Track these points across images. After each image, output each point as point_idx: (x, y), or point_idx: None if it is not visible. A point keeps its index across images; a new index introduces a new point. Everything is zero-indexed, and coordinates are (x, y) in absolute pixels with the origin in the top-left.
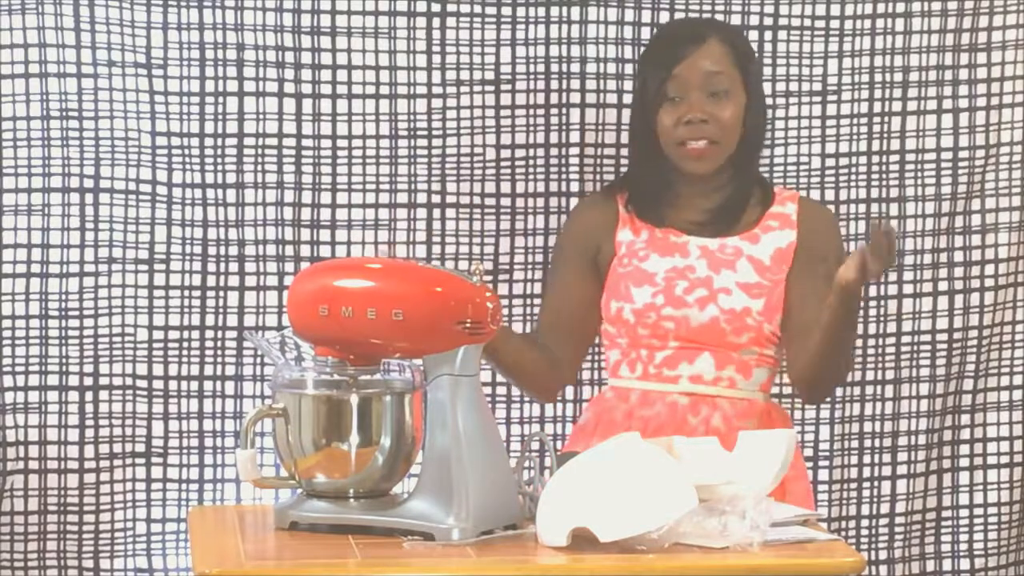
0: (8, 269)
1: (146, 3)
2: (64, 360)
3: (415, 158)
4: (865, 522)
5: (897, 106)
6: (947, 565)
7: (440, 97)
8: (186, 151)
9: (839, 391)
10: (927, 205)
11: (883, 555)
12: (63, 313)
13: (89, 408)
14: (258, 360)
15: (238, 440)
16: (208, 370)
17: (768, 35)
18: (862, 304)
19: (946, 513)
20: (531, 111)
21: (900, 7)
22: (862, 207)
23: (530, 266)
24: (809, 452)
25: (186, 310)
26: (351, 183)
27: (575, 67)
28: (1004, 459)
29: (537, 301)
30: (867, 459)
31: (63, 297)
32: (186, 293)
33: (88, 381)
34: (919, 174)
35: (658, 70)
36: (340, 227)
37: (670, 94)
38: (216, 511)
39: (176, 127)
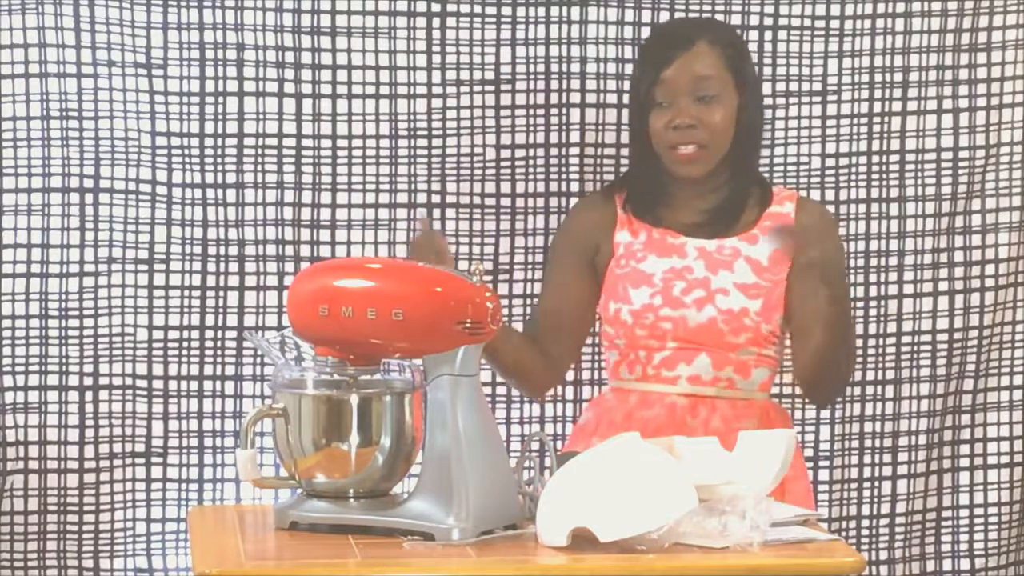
0: (8, 269)
1: (146, 3)
2: (64, 360)
3: (415, 158)
4: (865, 522)
5: (897, 106)
6: (947, 565)
7: (440, 97)
8: (186, 151)
9: None
10: (927, 205)
11: (883, 555)
12: (63, 313)
13: (89, 408)
14: (258, 360)
15: (238, 440)
16: (208, 370)
17: (768, 35)
18: (862, 304)
19: (946, 513)
20: (531, 111)
21: (900, 7)
22: (862, 207)
23: (530, 266)
24: (809, 452)
25: (186, 310)
26: (351, 183)
27: (575, 67)
28: (1004, 459)
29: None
30: (867, 459)
31: (63, 297)
32: (186, 293)
33: (88, 381)
34: (919, 174)
35: (647, 75)
36: (340, 227)
37: (658, 99)
38: (216, 511)
39: (176, 127)
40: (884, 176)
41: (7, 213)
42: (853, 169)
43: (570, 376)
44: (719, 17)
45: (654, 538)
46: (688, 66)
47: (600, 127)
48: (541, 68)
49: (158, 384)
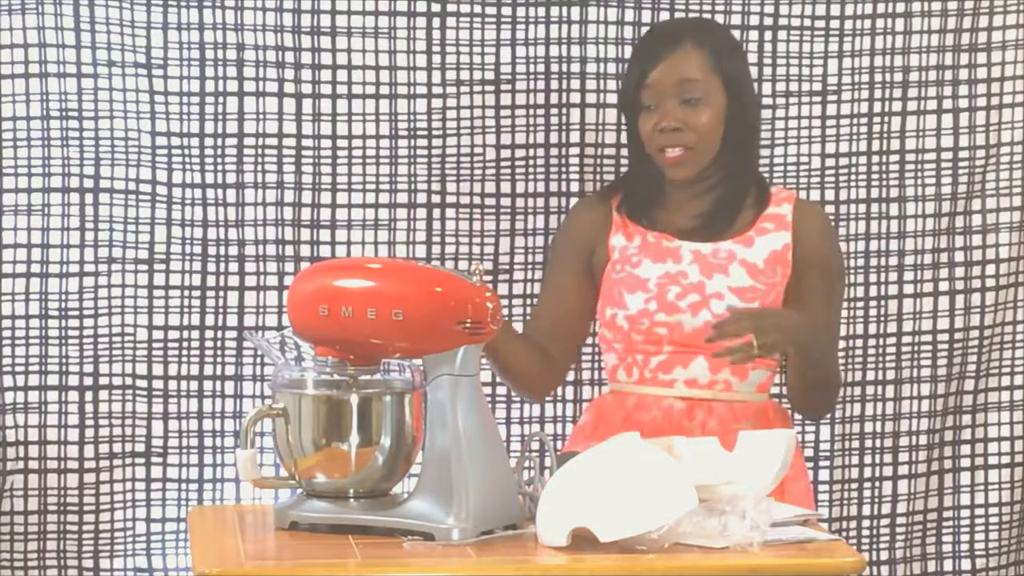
0: (8, 269)
1: (146, 3)
2: (64, 360)
3: (415, 158)
4: (866, 522)
5: (897, 106)
6: (948, 565)
7: (440, 97)
8: (186, 151)
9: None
10: (927, 205)
11: (884, 555)
12: (63, 313)
13: (89, 408)
14: (258, 360)
15: (238, 440)
16: (208, 370)
17: (768, 35)
18: (862, 304)
19: (947, 513)
20: (531, 111)
21: (900, 7)
22: (862, 207)
23: (530, 266)
24: (809, 452)
25: (186, 310)
26: (351, 183)
27: (575, 67)
28: (1005, 459)
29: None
30: (868, 459)
31: (63, 297)
32: (186, 293)
33: (88, 381)
34: (919, 174)
35: (633, 78)
36: (340, 227)
37: (645, 102)
38: (216, 511)
39: (176, 127)
40: (884, 176)
41: (7, 213)
42: (853, 169)
43: (570, 376)
44: (719, 17)
45: (654, 538)
46: (673, 69)
47: (600, 127)
48: (541, 68)
49: (158, 384)
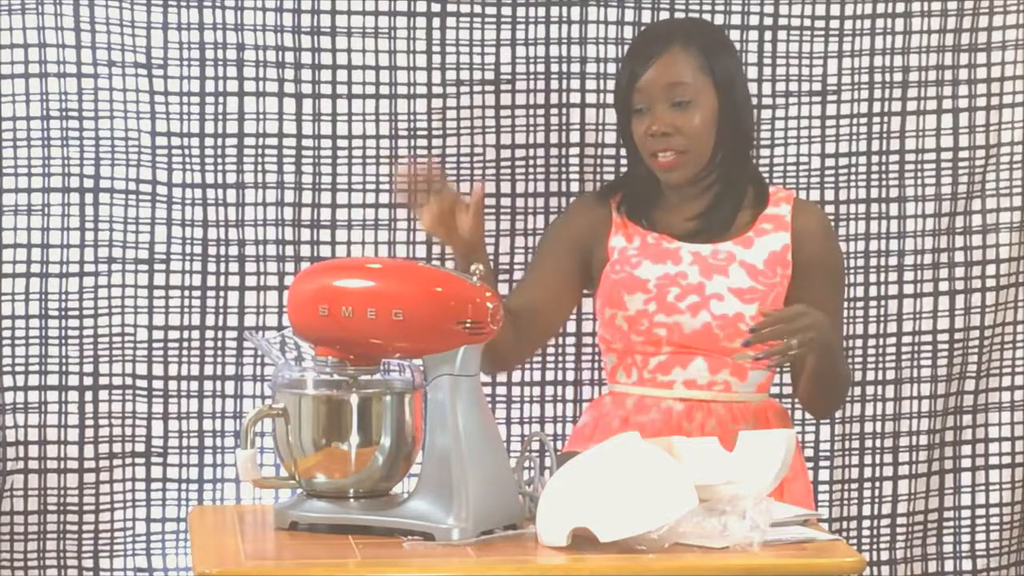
0: (8, 269)
1: (146, 3)
2: (64, 360)
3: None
4: (866, 523)
5: (897, 106)
6: (948, 566)
7: (440, 97)
8: (186, 151)
9: None
10: (927, 205)
11: (884, 556)
12: (63, 313)
13: (89, 408)
14: (258, 360)
15: (238, 440)
16: (208, 370)
17: (768, 35)
18: (862, 304)
19: (947, 514)
20: (531, 111)
21: (900, 7)
22: (862, 207)
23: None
24: (809, 452)
25: (186, 310)
26: (351, 183)
27: (575, 67)
28: (1006, 459)
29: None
30: (868, 459)
31: (63, 297)
32: (186, 293)
33: (88, 381)
34: (919, 174)
35: (623, 82)
36: (340, 227)
37: (635, 106)
38: (216, 511)
39: (176, 127)
40: (884, 176)
41: (7, 213)
42: (853, 169)
43: (570, 376)
44: (719, 17)
45: (654, 538)
46: (662, 72)
47: (600, 127)
48: (541, 68)
49: (158, 384)
